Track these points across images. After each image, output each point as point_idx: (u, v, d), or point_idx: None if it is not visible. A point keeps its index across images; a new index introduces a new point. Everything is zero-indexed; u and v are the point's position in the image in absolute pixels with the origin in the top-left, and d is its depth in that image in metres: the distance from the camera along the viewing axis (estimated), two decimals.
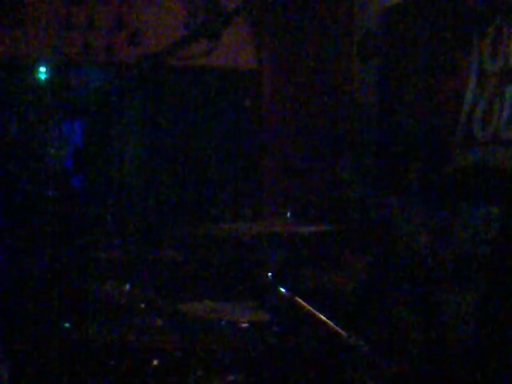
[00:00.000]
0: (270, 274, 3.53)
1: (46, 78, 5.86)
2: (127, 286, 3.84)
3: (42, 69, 5.88)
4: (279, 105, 6.03)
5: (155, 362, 3.39)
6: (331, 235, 4.05)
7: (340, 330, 3.10)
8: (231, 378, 3.35)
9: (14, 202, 4.93)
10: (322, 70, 5.72)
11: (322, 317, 3.16)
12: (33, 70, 5.72)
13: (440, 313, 4.01)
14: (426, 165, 4.59)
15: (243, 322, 3.52)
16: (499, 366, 3.44)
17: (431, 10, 4.70)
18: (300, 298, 3.31)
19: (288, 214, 4.08)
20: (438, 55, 4.64)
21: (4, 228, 4.83)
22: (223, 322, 3.54)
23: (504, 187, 4.03)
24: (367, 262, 4.00)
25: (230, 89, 6.09)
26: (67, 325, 3.69)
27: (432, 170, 4.54)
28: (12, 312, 4.24)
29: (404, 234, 4.24)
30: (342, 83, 5.52)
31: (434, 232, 4.29)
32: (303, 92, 5.89)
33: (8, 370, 3.72)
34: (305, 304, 3.22)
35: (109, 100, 6.18)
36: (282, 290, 3.39)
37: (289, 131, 5.94)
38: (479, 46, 4.32)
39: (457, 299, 4.00)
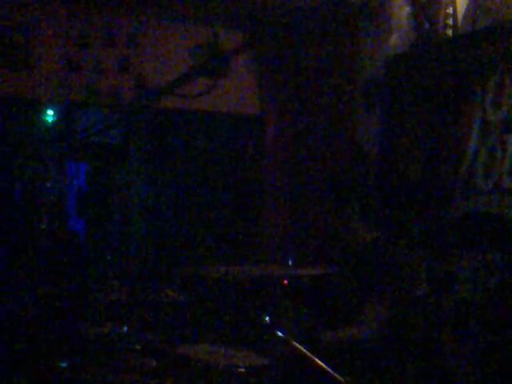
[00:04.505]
0: (267, 318, 3.50)
1: (52, 121, 5.90)
2: (125, 328, 3.82)
3: (50, 112, 5.93)
4: (281, 150, 6.05)
5: None
6: (332, 279, 4.04)
7: (337, 376, 3.06)
8: None
9: (10, 237, 4.94)
10: (324, 116, 5.75)
11: (318, 362, 3.13)
12: (39, 111, 5.76)
13: (441, 360, 3.97)
14: (428, 212, 4.59)
15: (241, 367, 3.48)
16: None
17: (435, 59, 4.74)
18: (298, 342, 3.27)
19: (289, 260, 4.07)
20: (441, 104, 4.66)
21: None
22: (221, 366, 3.50)
23: (505, 235, 4.02)
24: (367, 308, 3.96)
25: (232, 133, 6.12)
26: (64, 365, 3.66)
27: (434, 217, 4.53)
28: (7, 353, 4.20)
29: (406, 280, 4.23)
30: (345, 129, 5.55)
31: (435, 279, 4.27)
32: (306, 138, 5.92)
33: None
34: (302, 348, 3.19)
35: (113, 143, 6.22)
36: (280, 334, 3.36)
37: (290, 176, 5.96)
38: (482, 95, 4.35)
39: (457, 347, 3.97)
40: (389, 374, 3.85)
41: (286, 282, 3.99)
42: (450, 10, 4.67)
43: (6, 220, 5.35)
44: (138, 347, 3.70)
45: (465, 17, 4.55)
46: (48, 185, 5.43)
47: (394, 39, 5.13)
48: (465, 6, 4.55)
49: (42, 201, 5.36)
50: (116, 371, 3.55)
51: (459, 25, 4.59)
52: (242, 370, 3.45)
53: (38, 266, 4.86)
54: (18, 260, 4.90)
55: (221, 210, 6.02)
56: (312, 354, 3.15)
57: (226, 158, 6.12)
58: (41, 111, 5.88)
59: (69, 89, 5.41)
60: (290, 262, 4.07)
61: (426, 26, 4.86)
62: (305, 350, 3.19)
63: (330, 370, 3.10)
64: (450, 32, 4.66)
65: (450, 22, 4.67)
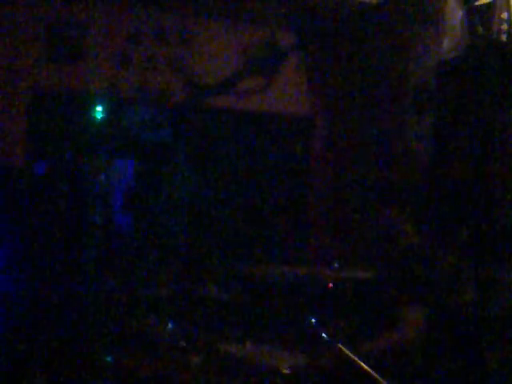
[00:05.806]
0: (313, 319, 3.50)
1: (101, 116, 5.94)
2: (170, 324, 3.84)
3: (99, 107, 5.97)
4: (330, 151, 6.03)
5: None
6: (378, 283, 4.02)
7: (381, 379, 3.04)
8: None
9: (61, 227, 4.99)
10: (374, 119, 5.72)
11: (363, 365, 3.11)
12: (89, 104, 5.80)
13: (488, 369, 3.93)
14: (477, 216, 4.54)
15: (284, 367, 3.47)
16: None
17: (488, 64, 4.69)
18: (343, 345, 3.26)
19: (335, 262, 4.07)
20: (493, 110, 4.61)
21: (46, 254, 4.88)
22: (263, 366, 3.50)
23: None
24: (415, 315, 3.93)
25: (281, 134, 6.12)
26: (109, 358, 3.70)
27: (482, 225, 4.49)
28: (54, 344, 4.26)
29: (453, 287, 4.19)
30: (395, 132, 5.51)
31: (481, 286, 4.23)
32: (355, 140, 5.89)
33: None
34: (347, 351, 3.17)
35: (162, 141, 6.25)
36: (325, 336, 3.36)
37: (338, 177, 5.93)
38: None
39: (502, 353, 3.93)
40: (430, 380, 3.83)
41: (330, 285, 3.98)
42: (505, 15, 4.62)
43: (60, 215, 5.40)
44: (182, 343, 3.72)
45: None
46: (102, 177, 5.48)
47: (446, 44, 5.08)
48: None
49: (95, 196, 5.41)
50: (160, 366, 3.58)
51: None
52: (287, 370, 3.45)
53: (94, 260, 4.91)
54: (73, 254, 4.95)
55: (267, 210, 6.02)
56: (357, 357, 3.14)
57: (274, 159, 6.12)
58: (90, 106, 5.92)
59: (120, 85, 5.45)
60: (336, 264, 4.07)
61: (480, 30, 4.80)
62: (350, 353, 3.18)
63: (375, 374, 3.08)
64: (504, 37, 4.61)
65: (505, 26, 4.62)
